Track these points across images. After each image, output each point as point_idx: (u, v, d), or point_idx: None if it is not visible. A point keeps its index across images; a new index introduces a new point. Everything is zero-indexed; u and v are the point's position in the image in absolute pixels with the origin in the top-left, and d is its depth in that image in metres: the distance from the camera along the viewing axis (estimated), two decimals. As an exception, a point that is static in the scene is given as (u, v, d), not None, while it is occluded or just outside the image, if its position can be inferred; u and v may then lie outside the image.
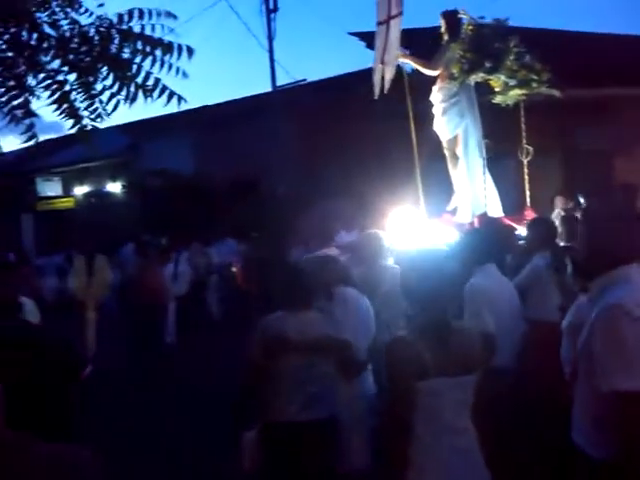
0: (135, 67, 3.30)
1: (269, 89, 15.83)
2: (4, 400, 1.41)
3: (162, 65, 3.26)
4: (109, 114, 3.42)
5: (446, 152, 7.96)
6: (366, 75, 8.85)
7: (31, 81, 3.46)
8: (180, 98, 3.36)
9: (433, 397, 2.49)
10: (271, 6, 15.47)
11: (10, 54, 3.55)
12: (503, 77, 7.10)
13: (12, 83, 3.28)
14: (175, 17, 3.29)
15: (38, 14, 3.65)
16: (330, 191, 12.47)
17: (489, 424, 3.45)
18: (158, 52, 3.24)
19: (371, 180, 11.29)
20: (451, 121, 7.65)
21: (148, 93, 3.32)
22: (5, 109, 3.24)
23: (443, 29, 7.66)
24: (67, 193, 21.10)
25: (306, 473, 3.44)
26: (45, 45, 3.36)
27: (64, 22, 3.58)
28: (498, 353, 3.57)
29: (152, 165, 16.61)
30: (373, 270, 4.72)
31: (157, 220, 13.27)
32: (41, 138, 3.52)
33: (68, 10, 3.62)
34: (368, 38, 11.76)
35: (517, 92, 7.18)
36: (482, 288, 3.76)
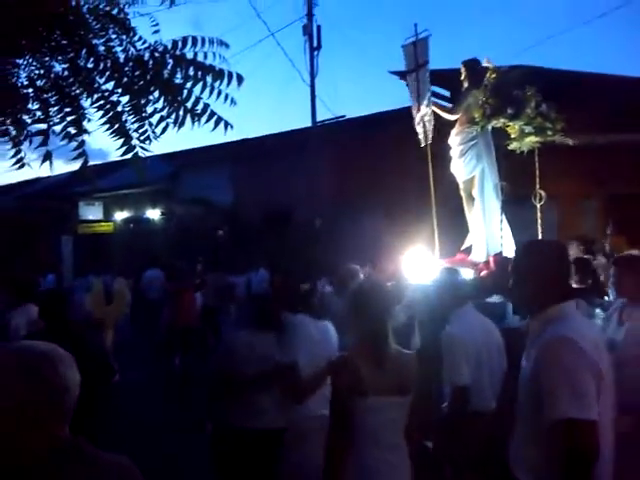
0: (185, 92, 3.38)
1: (309, 124, 16.10)
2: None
3: (212, 91, 3.33)
4: (157, 137, 3.49)
5: (462, 193, 8.12)
6: (403, 114, 8.95)
7: (84, 103, 3.59)
8: (227, 124, 3.42)
9: (372, 415, 2.67)
10: (315, 44, 15.83)
11: (65, 76, 3.70)
12: (520, 124, 7.20)
13: (66, 101, 3.40)
14: (227, 46, 3.37)
15: (95, 40, 3.80)
16: (359, 226, 12.50)
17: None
18: (209, 78, 3.32)
19: (395, 219, 11.34)
20: (468, 164, 7.84)
21: (196, 118, 3.39)
22: (59, 127, 3.34)
23: (463, 77, 7.94)
24: (107, 218, 21.59)
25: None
26: (101, 67, 3.48)
27: (119, 49, 3.73)
28: (477, 397, 3.79)
29: (191, 194, 16.90)
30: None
31: (193, 247, 13.43)
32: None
33: (123, 37, 3.77)
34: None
35: (532, 139, 7.24)
36: (456, 339, 3.88)
